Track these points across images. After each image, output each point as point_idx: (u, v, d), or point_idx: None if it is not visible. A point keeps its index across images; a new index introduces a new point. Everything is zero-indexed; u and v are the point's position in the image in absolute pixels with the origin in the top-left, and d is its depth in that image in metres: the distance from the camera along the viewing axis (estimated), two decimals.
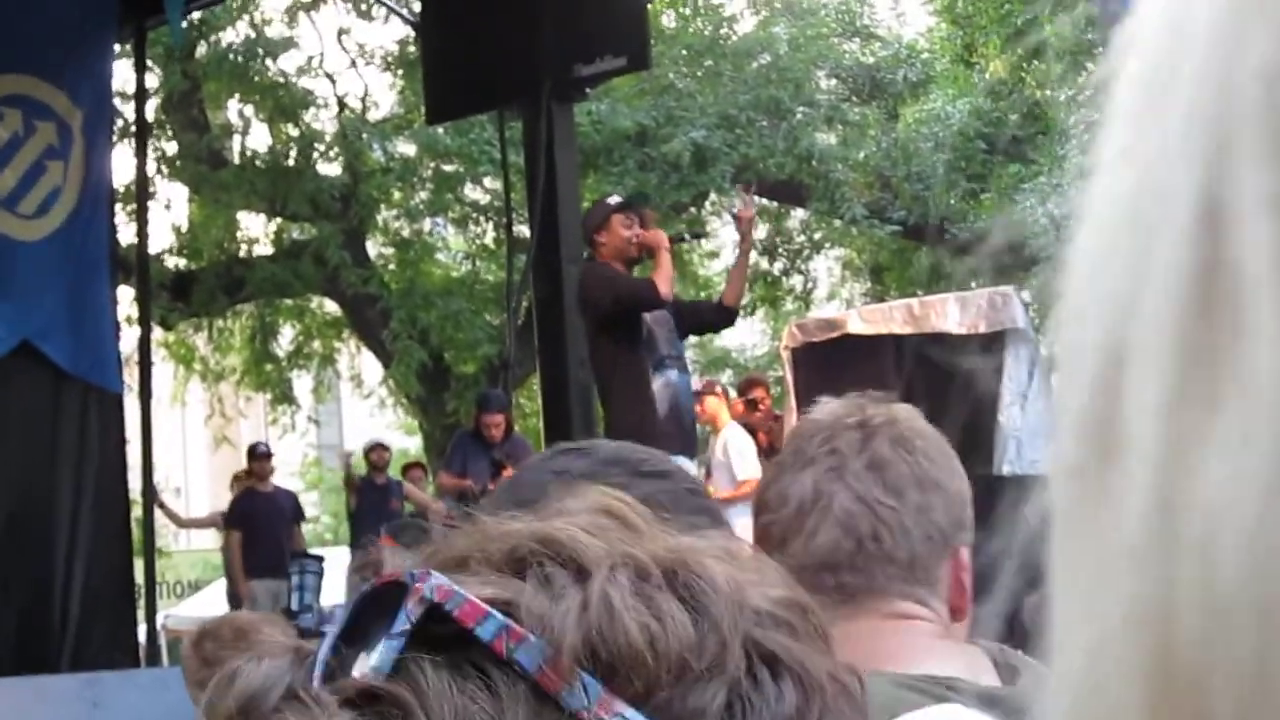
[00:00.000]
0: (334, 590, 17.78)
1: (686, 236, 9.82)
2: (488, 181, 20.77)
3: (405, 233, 22.29)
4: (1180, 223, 0.42)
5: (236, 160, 21.25)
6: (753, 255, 25.33)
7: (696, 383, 14.68)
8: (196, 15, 17.47)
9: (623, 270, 9.01)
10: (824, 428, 2.03)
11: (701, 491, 1.69)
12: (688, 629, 0.77)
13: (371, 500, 16.57)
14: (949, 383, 11.85)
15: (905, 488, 1.97)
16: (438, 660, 0.75)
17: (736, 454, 12.72)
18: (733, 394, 15.44)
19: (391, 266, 21.96)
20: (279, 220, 21.76)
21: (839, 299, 26.91)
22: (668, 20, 22.46)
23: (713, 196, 22.31)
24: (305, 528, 19.82)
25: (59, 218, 10.93)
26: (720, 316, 9.96)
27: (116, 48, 12.12)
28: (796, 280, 25.73)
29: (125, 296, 14.08)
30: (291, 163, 21.00)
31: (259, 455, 17.23)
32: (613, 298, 8.80)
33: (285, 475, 24.89)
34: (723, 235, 26.24)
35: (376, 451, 17.22)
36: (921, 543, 1.97)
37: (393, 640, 0.76)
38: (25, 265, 10.65)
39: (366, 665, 0.76)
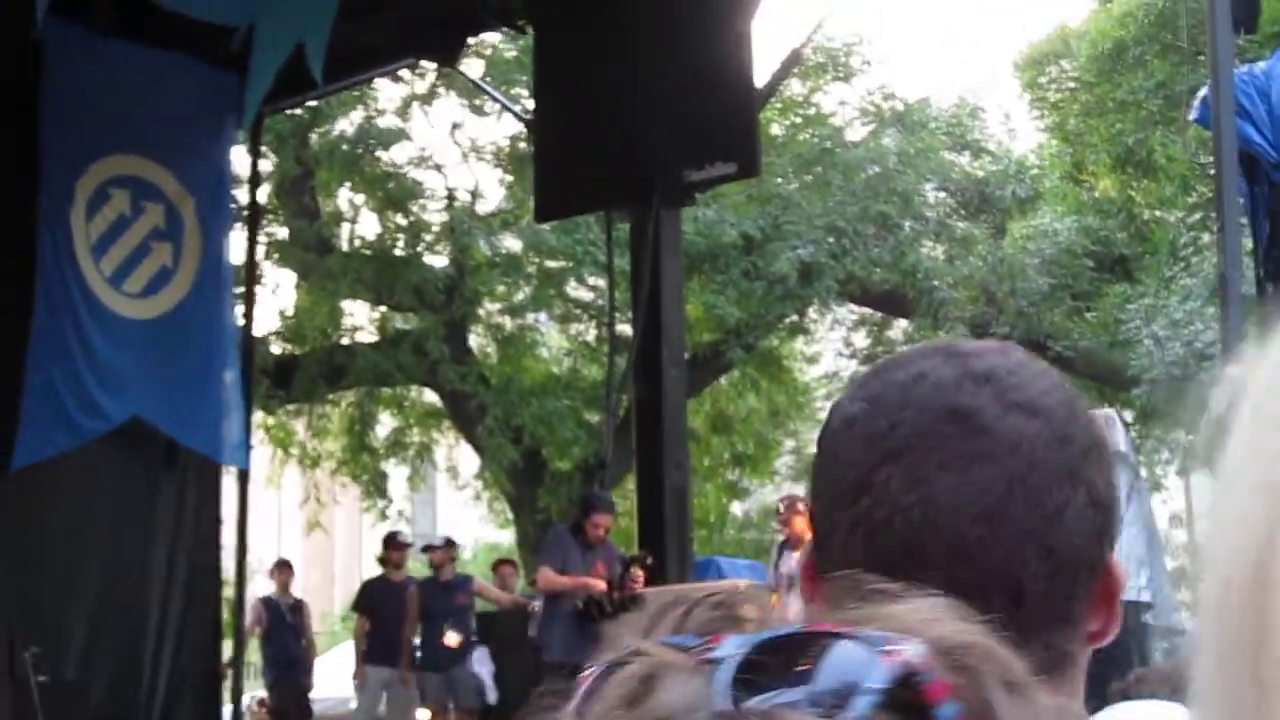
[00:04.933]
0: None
1: None
2: (591, 279, 20.85)
3: (508, 327, 22.39)
4: None
5: (345, 248, 21.44)
6: (851, 364, 25.39)
7: (781, 497, 14.57)
8: (312, 103, 17.71)
9: None
10: None
11: (1075, 439, 1.48)
12: None
13: (436, 597, 16.58)
14: None
15: None
16: None
17: None
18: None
19: (492, 361, 22.05)
20: (383, 309, 21.92)
21: None
22: (777, 129, 22.53)
23: (815, 305, 22.29)
24: None
25: (172, 298, 11.06)
26: None
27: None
28: None
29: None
30: (399, 252, 21.17)
31: (396, 544, 17.26)
32: None
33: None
34: (823, 344, 26.22)
35: (432, 552, 17.29)
36: None
37: (867, 695, 0.74)
38: (136, 342, 10.76)
39: (834, 711, 0.74)
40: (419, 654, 16.54)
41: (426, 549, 17.50)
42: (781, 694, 0.74)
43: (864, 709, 0.73)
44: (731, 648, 0.76)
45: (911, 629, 0.78)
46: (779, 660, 0.76)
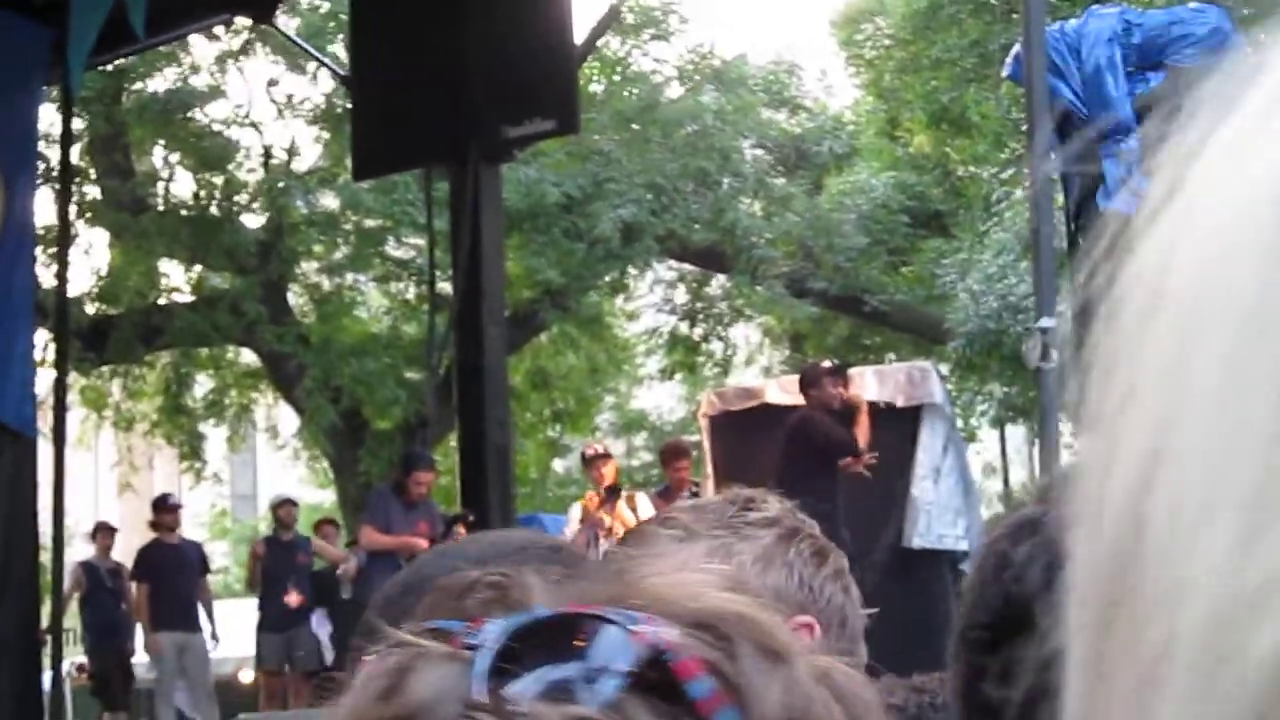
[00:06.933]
0: (243, 641, 17.69)
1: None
2: (411, 239, 20.75)
3: (326, 286, 22.23)
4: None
5: (160, 207, 21.14)
6: (671, 320, 25.51)
7: (595, 447, 14.67)
8: (121, 60, 17.39)
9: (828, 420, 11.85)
10: None
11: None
12: None
13: (278, 556, 16.56)
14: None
15: None
16: (656, 707, 0.74)
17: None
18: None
19: (311, 320, 21.88)
20: (199, 268, 21.65)
21: (757, 366, 26.98)
22: (596, 87, 22.53)
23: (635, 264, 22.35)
24: (215, 578, 19.71)
25: None
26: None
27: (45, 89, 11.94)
28: (716, 346, 25.79)
29: (40, 340, 13.94)
30: (215, 212, 20.92)
31: (167, 507, 17.07)
32: (828, 442, 11.62)
33: (194, 525, 24.67)
34: (643, 301, 26.29)
35: (284, 508, 17.23)
36: None
37: (614, 678, 0.74)
38: None
39: (578, 697, 0.74)
40: (258, 613, 16.54)
41: (276, 505, 17.46)
42: (538, 676, 0.75)
43: (611, 692, 0.74)
44: (492, 633, 0.76)
45: (674, 603, 0.79)
46: (537, 645, 0.76)
